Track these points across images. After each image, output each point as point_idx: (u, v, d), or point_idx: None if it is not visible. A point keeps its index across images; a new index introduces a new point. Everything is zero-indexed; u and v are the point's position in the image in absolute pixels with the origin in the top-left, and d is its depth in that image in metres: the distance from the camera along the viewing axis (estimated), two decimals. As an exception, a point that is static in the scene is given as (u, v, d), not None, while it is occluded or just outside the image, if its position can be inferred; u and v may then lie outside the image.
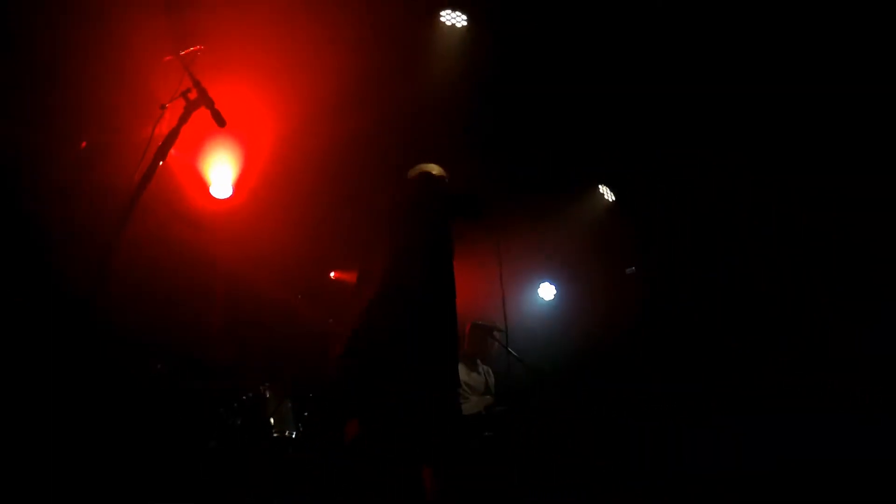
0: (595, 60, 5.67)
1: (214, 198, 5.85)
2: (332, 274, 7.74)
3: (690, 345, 6.05)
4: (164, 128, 2.87)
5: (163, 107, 2.88)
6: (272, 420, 4.75)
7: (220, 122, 2.82)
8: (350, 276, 7.79)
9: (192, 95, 2.83)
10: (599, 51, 5.61)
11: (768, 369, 5.41)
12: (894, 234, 5.02)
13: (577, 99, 5.97)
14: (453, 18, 5.48)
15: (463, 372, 5.34)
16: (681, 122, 5.92)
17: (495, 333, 5.25)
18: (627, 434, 5.71)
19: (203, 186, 5.86)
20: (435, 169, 3.95)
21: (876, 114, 4.94)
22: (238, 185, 5.96)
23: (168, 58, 3.06)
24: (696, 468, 5.05)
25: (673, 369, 6.03)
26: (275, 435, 4.68)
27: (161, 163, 2.68)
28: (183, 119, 2.76)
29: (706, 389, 5.65)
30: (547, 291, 7.12)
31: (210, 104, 2.79)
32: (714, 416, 5.42)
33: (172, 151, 4.87)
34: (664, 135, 6.07)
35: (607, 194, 6.94)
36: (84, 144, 4.33)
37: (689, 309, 6.22)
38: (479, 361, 5.57)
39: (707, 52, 5.34)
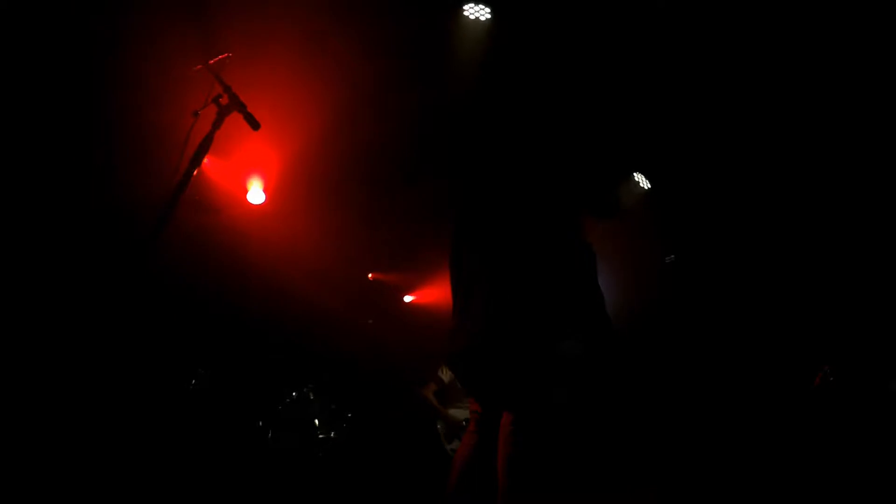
0: (625, 47, 5.59)
1: (250, 203, 5.93)
2: (369, 276, 7.79)
3: (696, 343, 5.95)
4: (197, 134, 2.91)
5: (195, 113, 2.91)
6: (317, 422, 4.79)
7: (255, 125, 2.84)
8: (388, 277, 7.84)
9: (224, 101, 2.86)
10: (629, 38, 5.52)
11: (771, 369, 5.29)
12: None
13: (608, 87, 5.89)
14: (477, 12, 5.43)
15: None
16: (717, 107, 5.81)
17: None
18: (631, 434, 5.64)
19: (239, 192, 5.95)
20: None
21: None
22: (273, 190, 6.03)
23: (198, 67, 3.10)
24: (698, 468, 4.98)
25: (678, 367, 5.94)
26: (320, 436, 4.71)
27: (196, 170, 2.71)
28: (216, 124, 2.79)
29: (710, 389, 5.55)
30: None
31: (242, 108, 2.81)
32: (714, 417, 5.33)
33: (207, 158, 4.95)
34: (699, 120, 5.97)
35: (643, 182, 6.81)
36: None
37: (727, 298, 6.11)
38: None
39: (741, 42, 5.24)
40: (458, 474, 2.79)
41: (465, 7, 5.42)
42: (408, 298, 7.96)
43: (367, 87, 5.58)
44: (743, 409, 5.34)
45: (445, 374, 5.32)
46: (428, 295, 7.69)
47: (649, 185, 6.83)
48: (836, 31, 4.77)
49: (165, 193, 2.70)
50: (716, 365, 5.89)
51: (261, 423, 4.57)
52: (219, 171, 5.74)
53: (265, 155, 5.90)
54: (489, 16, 5.46)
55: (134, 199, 3.82)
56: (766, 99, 5.47)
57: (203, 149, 2.71)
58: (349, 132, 5.84)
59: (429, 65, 5.60)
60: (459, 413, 5.14)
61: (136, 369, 4.13)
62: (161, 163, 3.40)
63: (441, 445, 5.01)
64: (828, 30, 4.78)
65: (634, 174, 6.80)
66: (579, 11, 5.44)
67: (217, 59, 3.13)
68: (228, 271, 5.58)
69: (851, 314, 5.33)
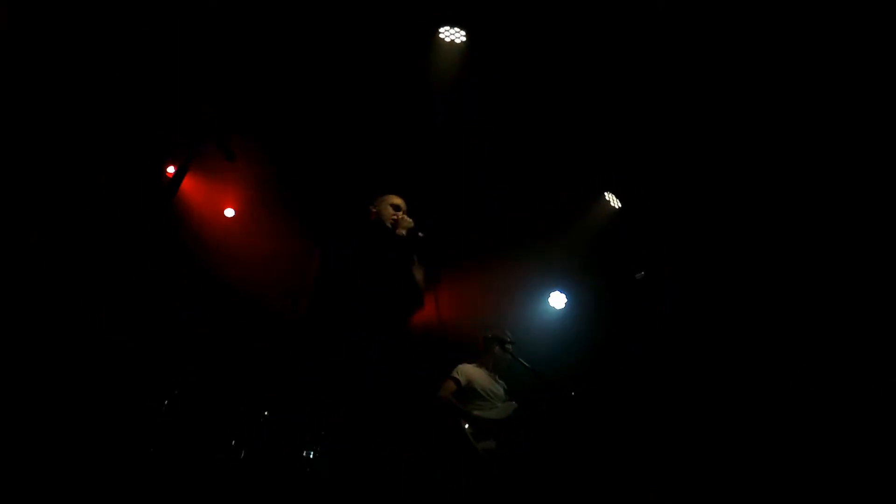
0: (596, 70, 5.72)
1: (228, 217, 5.94)
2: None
3: (696, 350, 6.06)
4: (174, 160, 2.94)
5: (173, 140, 2.94)
6: (290, 439, 4.77)
7: (230, 156, 2.86)
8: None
9: (202, 128, 2.87)
10: (600, 60, 5.65)
11: (771, 372, 5.41)
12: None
13: (579, 109, 6.02)
14: (452, 35, 5.53)
15: (486, 381, 5.35)
16: (684, 126, 5.95)
17: (506, 346, 5.26)
18: (635, 442, 5.74)
19: (214, 207, 5.94)
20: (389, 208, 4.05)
21: (876, 114, 4.95)
22: (248, 204, 6.04)
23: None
24: (696, 471, 5.08)
25: (679, 375, 6.04)
26: (294, 453, 4.69)
27: (173, 196, 2.74)
28: (194, 153, 2.81)
29: (711, 395, 5.67)
30: (558, 300, 7.12)
31: (220, 139, 2.83)
32: (715, 420, 5.43)
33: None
34: (668, 140, 6.10)
35: (613, 201, 6.96)
36: None
37: (697, 314, 6.22)
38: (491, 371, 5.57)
39: (709, 53, 5.38)
40: None
41: (441, 30, 5.51)
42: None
43: (341, 100, 5.64)
44: (735, 409, 5.43)
45: (461, 376, 5.28)
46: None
47: (620, 205, 6.99)
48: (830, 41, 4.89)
49: (146, 212, 2.73)
50: (702, 369, 5.97)
51: (234, 443, 4.55)
52: (197, 185, 5.71)
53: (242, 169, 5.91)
54: (464, 39, 5.56)
55: (112, 221, 3.80)
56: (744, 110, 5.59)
57: (180, 176, 2.73)
58: (317, 143, 5.89)
59: (404, 85, 5.68)
60: (484, 413, 5.12)
61: (108, 389, 4.11)
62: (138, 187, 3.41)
63: (472, 445, 4.96)
64: (819, 41, 4.92)
65: (605, 193, 6.96)
66: (552, 34, 5.57)
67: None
68: (203, 288, 5.56)
69: (819, 323, 5.45)
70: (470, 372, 5.30)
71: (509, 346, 5.25)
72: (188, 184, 5.61)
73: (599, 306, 6.97)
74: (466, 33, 5.55)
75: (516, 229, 6.28)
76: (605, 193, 6.91)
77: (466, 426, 5.00)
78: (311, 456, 4.67)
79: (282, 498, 4.13)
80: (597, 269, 7.00)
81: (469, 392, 5.21)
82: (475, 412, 5.11)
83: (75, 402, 4.02)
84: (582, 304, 7.11)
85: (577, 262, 6.97)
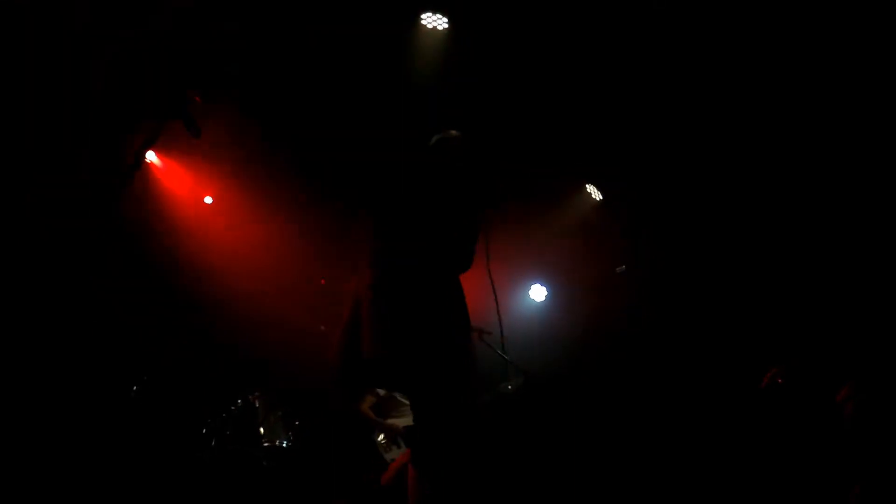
0: (579, 60, 5.68)
1: (202, 204, 5.85)
2: (322, 281, 7.71)
3: (681, 345, 6.04)
4: (141, 137, 2.84)
5: (140, 117, 2.86)
6: (262, 430, 4.72)
7: (196, 133, 2.77)
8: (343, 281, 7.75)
9: (169, 105, 2.80)
10: (584, 50, 5.61)
11: (761, 368, 5.41)
12: (892, 232, 5.03)
13: (561, 99, 5.97)
14: (434, 21, 5.46)
15: None
16: (668, 119, 5.93)
17: (484, 336, 5.22)
18: (618, 438, 5.73)
19: (190, 194, 5.85)
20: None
21: (864, 113, 4.96)
22: (224, 192, 5.95)
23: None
24: (691, 467, 5.06)
25: (664, 370, 6.03)
26: (265, 444, 4.64)
27: (137, 171, 2.66)
28: (158, 129, 2.73)
29: (697, 390, 5.66)
30: (538, 293, 7.09)
31: (185, 115, 2.75)
32: (708, 417, 5.43)
33: (154, 159, 4.88)
34: (651, 132, 6.08)
35: (595, 194, 6.93)
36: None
37: (678, 308, 6.21)
38: None
39: (694, 48, 5.36)
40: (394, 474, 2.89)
41: (423, 16, 5.44)
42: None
43: (323, 90, 5.56)
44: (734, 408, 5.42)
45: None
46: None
47: (601, 197, 6.96)
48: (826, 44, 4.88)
49: (110, 193, 2.66)
50: (701, 368, 5.95)
51: (204, 431, 4.49)
52: (169, 171, 5.63)
53: (216, 155, 5.83)
54: (446, 25, 5.49)
55: (80, 200, 3.70)
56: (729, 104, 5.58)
57: (143, 151, 2.66)
58: (303, 136, 5.81)
59: (384, 71, 5.61)
60: (400, 421, 5.15)
61: (74, 374, 4.02)
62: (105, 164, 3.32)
63: (380, 455, 5.03)
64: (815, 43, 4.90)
65: (587, 185, 6.92)
66: (535, 22, 5.51)
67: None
68: (174, 273, 5.48)
69: (802, 317, 5.44)
70: None
71: (486, 337, 5.22)
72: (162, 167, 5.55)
73: (581, 299, 6.94)
74: (449, 20, 5.50)
75: (496, 219, 6.22)
76: (587, 185, 6.89)
77: (380, 438, 5.11)
78: (284, 445, 4.63)
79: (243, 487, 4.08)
80: (578, 262, 6.97)
81: (389, 401, 5.27)
82: (390, 420, 5.18)
83: (44, 387, 3.93)
84: (563, 298, 7.08)
85: (559, 254, 6.94)
